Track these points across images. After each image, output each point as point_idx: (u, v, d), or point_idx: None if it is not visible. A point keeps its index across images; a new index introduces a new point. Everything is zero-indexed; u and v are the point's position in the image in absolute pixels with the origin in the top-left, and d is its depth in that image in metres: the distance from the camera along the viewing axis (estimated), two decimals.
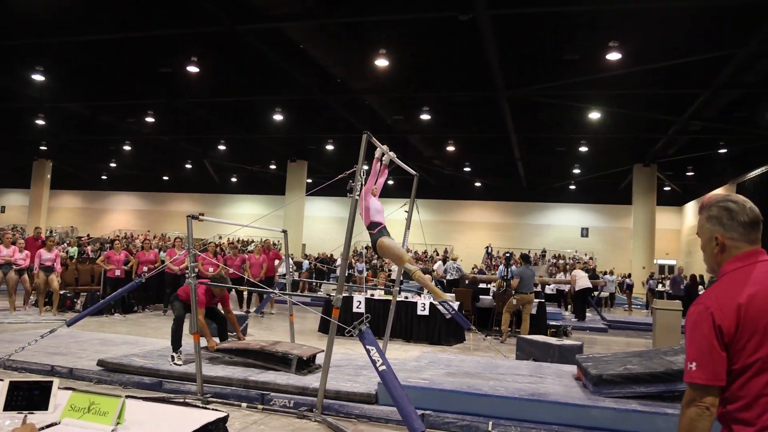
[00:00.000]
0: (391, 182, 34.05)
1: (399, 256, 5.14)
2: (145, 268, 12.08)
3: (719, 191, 27.44)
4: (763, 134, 19.89)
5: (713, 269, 1.92)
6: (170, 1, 13.96)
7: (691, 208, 33.71)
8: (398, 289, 7.59)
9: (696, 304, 1.80)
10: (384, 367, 4.21)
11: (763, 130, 19.52)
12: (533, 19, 14.08)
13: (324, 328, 10.76)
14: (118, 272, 12.14)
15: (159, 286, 12.68)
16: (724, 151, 23.54)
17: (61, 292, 11.85)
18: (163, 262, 12.63)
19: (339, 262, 22.15)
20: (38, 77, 18.83)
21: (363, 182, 5.12)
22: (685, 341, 1.79)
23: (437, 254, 33.64)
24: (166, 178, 40.65)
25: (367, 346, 4.38)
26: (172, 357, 6.48)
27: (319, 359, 6.43)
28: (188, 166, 36.00)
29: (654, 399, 5.06)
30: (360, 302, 10.46)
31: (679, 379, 5.00)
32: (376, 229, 5.35)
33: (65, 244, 23.27)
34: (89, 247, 24.34)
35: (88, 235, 34.37)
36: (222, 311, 7.15)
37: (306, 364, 6.30)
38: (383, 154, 5.79)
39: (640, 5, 12.25)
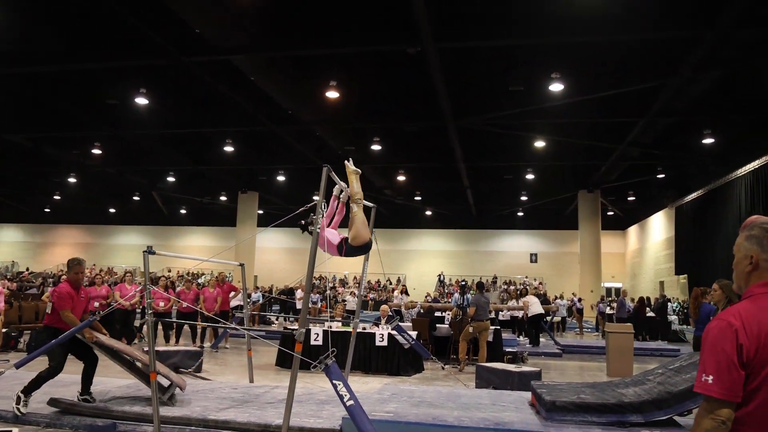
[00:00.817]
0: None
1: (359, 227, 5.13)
2: (96, 304, 11.67)
3: (659, 215, 28.48)
4: (697, 159, 20.83)
5: (740, 287, 1.94)
6: (116, 33, 13.79)
7: (633, 231, 34.80)
8: (357, 320, 7.55)
9: (718, 320, 1.81)
10: (352, 402, 4.17)
11: (696, 155, 20.44)
12: (478, 52, 14.49)
13: (282, 361, 10.59)
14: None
15: (108, 322, 12.26)
16: (663, 176, 24.48)
17: (4, 330, 11.32)
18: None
19: (298, 294, 21.97)
20: None
21: (323, 215, 5.10)
22: (701, 354, 1.80)
23: (390, 283, 33.71)
24: (112, 210, 39.61)
25: (334, 381, 4.34)
26: (18, 398, 5.88)
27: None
28: (136, 198, 35.19)
29: (606, 427, 5.16)
30: (318, 335, 10.35)
31: (629, 411, 5.13)
32: (344, 245, 5.22)
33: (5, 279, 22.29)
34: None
35: (27, 269, 33.02)
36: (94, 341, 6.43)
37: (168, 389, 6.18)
38: (341, 192, 5.61)
39: (576, 38, 12.74)
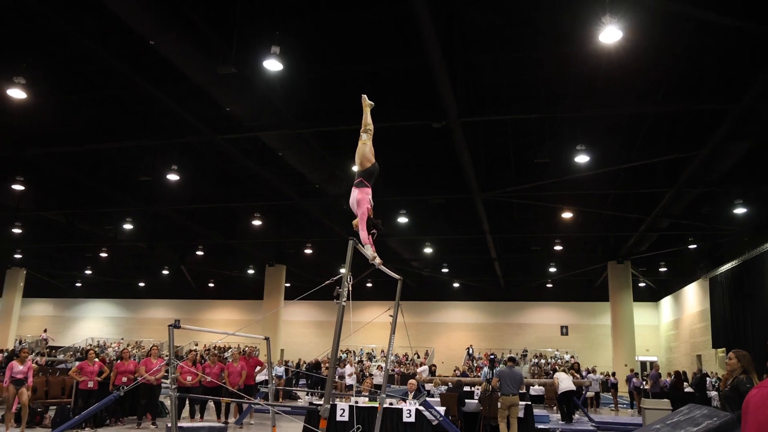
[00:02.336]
0: (369, 285, 34.00)
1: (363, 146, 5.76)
2: (124, 379, 11.61)
3: (693, 286, 27.78)
4: (728, 230, 20.47)
5: None
6: (151, 112, 14.40)
7: (667, 303, 33.85)
8: (384, 395, 7.38)
9: (759, 388, 1.85)
10: None
11: (728, 225, 20.10)
12: (503, 126, 14.73)
13: None
14: (90, 384, 11.61)
15: (133, 397, 12.17)
16: (694, 246, 24.05)
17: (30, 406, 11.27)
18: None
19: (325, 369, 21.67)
20: (17, 187, 18.88)
21: (349, 288, 5.09)
22: (744, 423, 1.81)
23: (418, 357, 33.09)
24: (141, 284, 40.00)
25: None
26: None
27: None
28: (165, 272, 35.60)
29: None
30: (344, 410, 10.11)
31: None
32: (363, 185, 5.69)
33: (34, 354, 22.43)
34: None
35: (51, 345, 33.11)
36: None
37: None
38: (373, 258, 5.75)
39: (601, 111, 12.89)
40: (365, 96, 6.03)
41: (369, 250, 5.56)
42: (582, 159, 14.78)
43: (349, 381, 16.47)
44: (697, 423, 5.15)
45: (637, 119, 13.78)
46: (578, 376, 18.36)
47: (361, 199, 5.56)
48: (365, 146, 5.81)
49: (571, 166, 15.47)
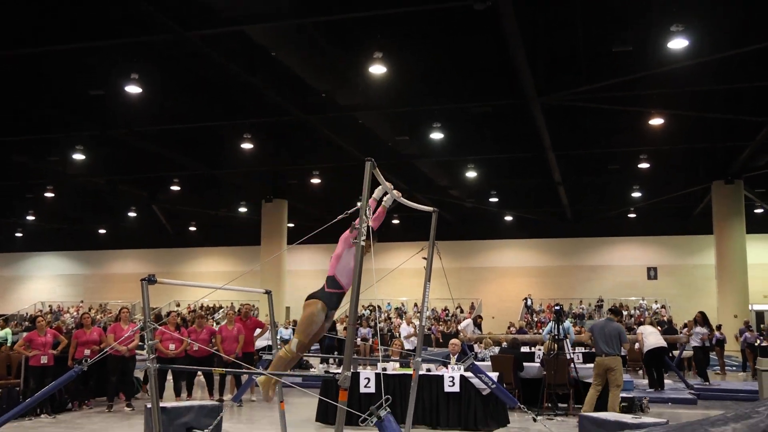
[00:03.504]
0: (396, 221, 34.22)
1: (301, 330, 5.93)
2: (87, 351, 11.98)
3: None
4: None
5: None
6: (98, 5, 14.21)
7: None
8: (420, 359, 7.56)
9: None
10: None
11: None
12: (569, 4, 14.36)
13: (324, 416, 10.67)
14: (44, 359, 11.98)
15: (101, 373, 12.57)
16: None
17: None
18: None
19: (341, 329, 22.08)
20: None
21: (369, 223, 5.15)
22: None
23: (461, 311, 33.61)
24: (102, 231, 40.77)
25: None
26: None
27: None
28: (132, 214, 36.17)
29: None
30: (369, 379, 10.39)
31: None
32: (332, 289, 5.87)
33: None
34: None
35: None
36: None
37: None
38: (385, 194, 5.79)
39: None
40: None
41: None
42: (678, 44, 14.44)
43: (407, 345, 16.77)
44: None
45: None
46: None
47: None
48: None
49: (662, 54, 15.15)
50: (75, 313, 33.84)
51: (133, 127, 20.90)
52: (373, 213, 5.79)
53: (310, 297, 5.91)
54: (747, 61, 15.92)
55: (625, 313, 33.56)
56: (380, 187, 5.68)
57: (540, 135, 20.23)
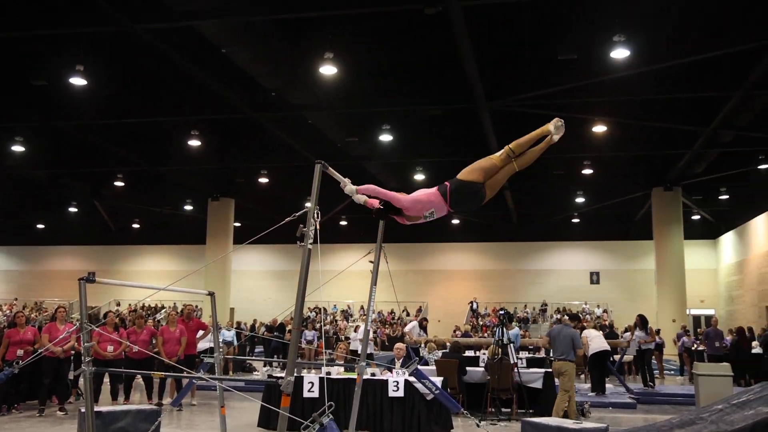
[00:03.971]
0: (344, 222, 34.20)
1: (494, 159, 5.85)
2: (20, 352, 11.67)
3: (763, 218, 28.21)
4: None
5: None
6: None
7: (728, 240, 34.43)
8: (364, 363, 7.53)
9: None
10: None
11: None
12: (517, 11, 14.49)
13: (266, 421, 10.57)
14: None
15: (33, 375, 12.25)
16: (766, 166, 24.24)
17: None
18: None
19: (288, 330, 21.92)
20: None
21: (317, 226, 5.09)
22: None
23: (407, 314, 33.69)
24: (41, 226, 39.87)
25: None
26: None
27: None
28: (73, 210, 35.47)
29: None
30: (313, 384, 10.32)
31: None
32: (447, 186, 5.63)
33: None
34: None
35: None
36: None
37: None
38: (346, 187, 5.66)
39: None
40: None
41: (350, 186, 5.56)
42: (620, 54, 14.71)
43: (354, 345, 16.58)
44: None
45: None
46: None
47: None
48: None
49: (605, 63, 15.41)
50: (8, 312, 32.93)
51: (77, 120, 20.46)
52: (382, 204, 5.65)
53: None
54: (684, 71, 16.29)
55: (567, 316, 34.05)
56: (346, 186, 5.61)
57: (487, 138, 20.38)
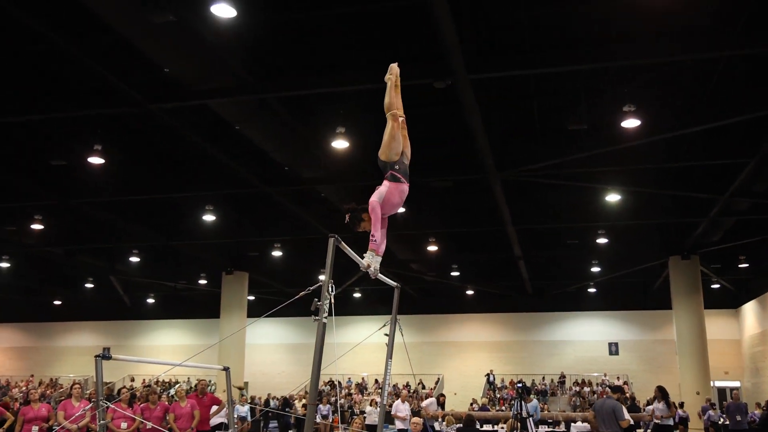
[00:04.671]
0: (358, 295, 34.11)
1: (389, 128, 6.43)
2: (35, 429, 11.62)
3: None
4: None
5: None
6: (62, 77, 14.28)
7: (750, 310, 33.78)
8: None
9: None
10: None
11: None
12: (526, 84, 14.73)
13: None
14: None
15: None
16: None
17: None
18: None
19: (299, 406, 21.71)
20: None
21: (331, 299, 5.15)
22: None
23: (423, 387, 33.28)
24: (57, 302, 39.94)
25: None
26: None
27: None
28: (89, 285, 35.56)
29: None
30: None
31: None
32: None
33: None
34: None
35: None
36: None
37: None
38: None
39: (655, 58, 12.85)
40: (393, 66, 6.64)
41: (369, 257, 5.98)
42: (631, 123, 14.74)
43: (400, 425, 15.98)
44: None
45: (705, 66, 13.74)
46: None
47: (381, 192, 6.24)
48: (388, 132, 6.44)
49: (616, 133, 15.44)
50: (24, 388, 32.83)
51: (94, 198, 20.72)
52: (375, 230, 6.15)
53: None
54: (697, 139, 16.31)
55: (587, 389, 33.55)
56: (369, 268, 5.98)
57: (500, 210, 20.41)
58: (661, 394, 15.58)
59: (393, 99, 6.54)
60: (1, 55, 13.92)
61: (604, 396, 11.40)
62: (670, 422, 16.47)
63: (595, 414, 11.22)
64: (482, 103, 14.00)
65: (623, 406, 11.35)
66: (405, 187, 6.29)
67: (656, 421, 15.87)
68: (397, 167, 6.29)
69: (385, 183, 6.21)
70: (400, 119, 6.46)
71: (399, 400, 16.13)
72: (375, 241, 5.96)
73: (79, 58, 12.68)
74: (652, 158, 17.17)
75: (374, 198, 6.13)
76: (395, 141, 6.35)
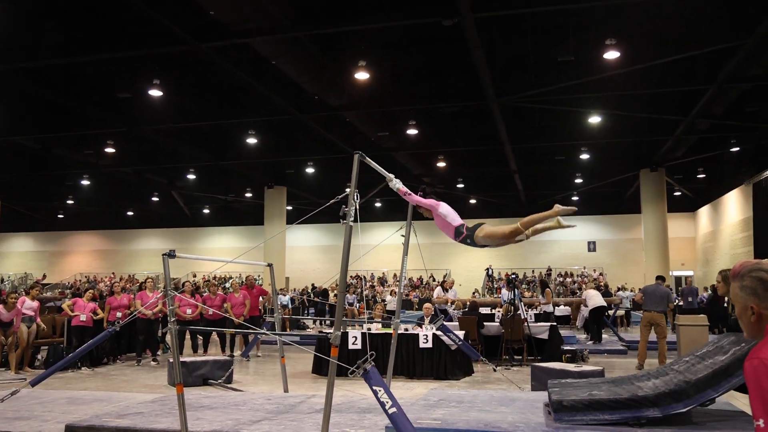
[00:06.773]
0: (378, 204, 34.19)
1: (505, 230, 5.54)
2: (119, 314, 11.95)
3: (734, 193, 27.77)
4: None
5: (753, 336, 2.02)
6: (124, 22, 14.05)
7: (704, 213, 33.99)
8: (399, 321, 7.56)
9: (750, 359, 1.84)
10: (394, 410, 4.18)
11: None
12: (522, 21, 14.33)
13: (319, 368, 10.70)
14: (83, 317, 11.88)
15: (131, 333, 12.57)
16: (737, 149, 23.85)
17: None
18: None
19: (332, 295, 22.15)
20: None
21: (356, 207, 5.11)
22: (750, 399, 1.81)
23: (434, 280, 33.69)
24: (130, 213, 40.45)
25: (374, 387, 4.35)
26: None
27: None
28: (155, 199, 35.89)
29: (619, 426, 5.09)
30: (356, 338, 10.41)
31: (644, 405, 5.07)
32: (465, 232, 5.51)
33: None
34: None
35: (44, 276, 33.69)
36: None
37: None
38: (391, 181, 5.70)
39: None
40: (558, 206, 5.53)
41: (395, 181, 5.59)
42: (611, 55, 14.43)
43: (389, 306, 16.04)
44: (725, 351, 5.29)
45: (675, 6, 13.33)
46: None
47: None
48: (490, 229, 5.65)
49: (599, 64, 15.14)
50: (108, 282, 33.57)
51: (156, 125, 20.68)
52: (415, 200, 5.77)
53: (472, 239, 5.59)
54: (667, 69, 16.01)
55: (569, 279, 33.91)
56: (391, 181, 5.62)
57: (498, 131, 20.22)
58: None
59: (533, 220, 5.62)
60: (75, 4, 13.69)
61: (655, 282, 11.68)
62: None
63: (645, 295, 11.45)
64: (484, 38, 13.68)
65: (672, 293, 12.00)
66: (452, 233, 5.64)
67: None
68: (468, 240, 5.58)
69: (453, 227, 5.66)
70: (516, 235, 5.57)
71: (440, 288, 16.04)
72: (410, 194, 5.62)
73: (138, 5, 12.41)
74: (629, 85, 16.84)
75: (442, 205, 5.72)
76: (496, 240, 5.64)
